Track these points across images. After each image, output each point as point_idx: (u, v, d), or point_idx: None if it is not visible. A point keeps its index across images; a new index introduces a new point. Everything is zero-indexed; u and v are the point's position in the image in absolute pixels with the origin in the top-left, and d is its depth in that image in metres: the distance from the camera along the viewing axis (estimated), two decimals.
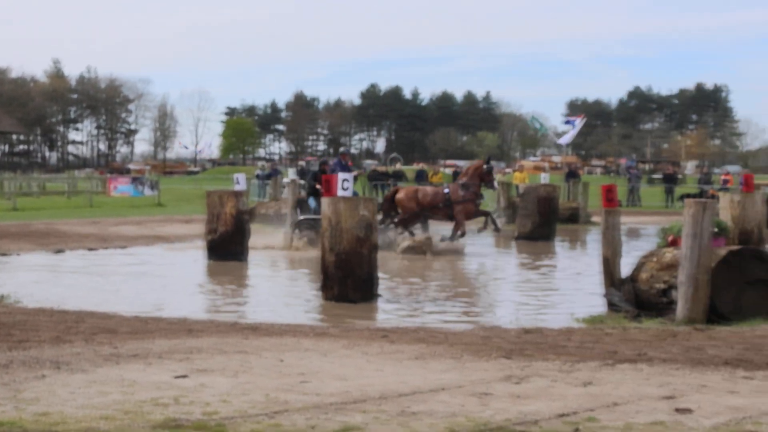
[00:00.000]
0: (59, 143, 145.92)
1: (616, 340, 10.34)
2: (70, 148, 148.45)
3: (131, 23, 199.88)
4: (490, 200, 31.08)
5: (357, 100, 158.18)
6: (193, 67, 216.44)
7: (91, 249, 22.42)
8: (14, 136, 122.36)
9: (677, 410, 7.14)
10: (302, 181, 37.43)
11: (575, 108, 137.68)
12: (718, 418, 6.91)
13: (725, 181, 44.31)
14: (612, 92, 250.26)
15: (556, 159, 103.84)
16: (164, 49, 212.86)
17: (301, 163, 77.42)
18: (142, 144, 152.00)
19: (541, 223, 26.68)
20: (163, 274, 18.04)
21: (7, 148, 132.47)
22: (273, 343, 9.88)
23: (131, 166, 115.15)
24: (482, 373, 8.41)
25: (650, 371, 8.62)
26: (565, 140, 49.41)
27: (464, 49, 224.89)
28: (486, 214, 23.16)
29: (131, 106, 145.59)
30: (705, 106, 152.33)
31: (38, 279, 16.67)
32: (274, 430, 6.32)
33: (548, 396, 7.53)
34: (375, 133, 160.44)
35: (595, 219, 31.08)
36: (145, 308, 13.14)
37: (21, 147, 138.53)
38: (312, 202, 22.98)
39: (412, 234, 22.50)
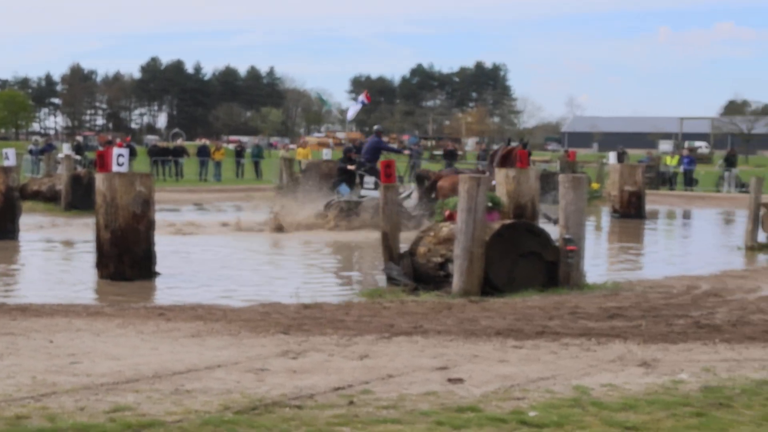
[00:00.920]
0: None
1: (394, 313, 10.48)
2: None
3: None
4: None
5: (137, 74, 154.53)
6: None
7: None
8: None
9: (449, 380, 7.29)
10: (78, 156, 36.21)
11: (359, 84, 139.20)
12: (487, 387, 7.10)
13: None
14: (395, 69, 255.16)
15: (341, 135, 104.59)
16: None
17: (78, 138, 74.99)
18: None
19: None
20: None
21: None
22: (43, 324, 9.49)
23: None
24: (260, 349, 8.35)
25: (425, 343, 8.78)
26: (349, 115, 50.22)
27: (248, 23, 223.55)
28: None
29: None
30: (485, 84, 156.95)
31: None
32: (40, 413, 6.07)
33: (325, 370, 7.55)
34: (156, 108, 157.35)
35: None
36: None
37: None
38: (344, 188, 23.13)
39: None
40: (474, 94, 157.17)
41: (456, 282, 11.96)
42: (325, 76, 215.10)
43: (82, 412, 6.12)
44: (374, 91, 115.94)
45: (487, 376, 7.48)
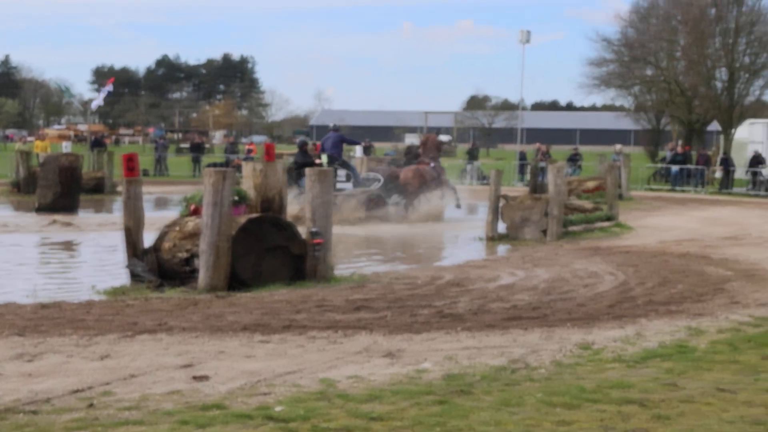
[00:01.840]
0: None
1: (137, 311, 10.20)
2: None
3: None
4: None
5: None
6: None
7: None
8: None
9: (194, 378, 7.16)
10: None
11: (102, 75, 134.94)
12: (233, 383, 7.02)
13: (249, 151, 45.60)
14: (140, 60, 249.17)
15: (83, 128, 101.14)
16: None
17: None
18: None
19: (63, 194, 25.72)
20: None
21: None
22: None
23: None
24: None
25: (170, 341, 8.59)
26: (95, 104, 49.22)
27: None
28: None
29: None
30: (232, 76, 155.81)
31: None
32: None
33: (63, 372, 7.25)
34: None
35: (121, 189, 30.58)
36: None
37: None
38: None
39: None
40: (221, 87, 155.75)
41: (202, 277, 11.79)
42: (66, 65, 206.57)
43: None
44: (118, 82, 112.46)
45: (233, 372, 7.39)
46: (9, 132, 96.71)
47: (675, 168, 39.90)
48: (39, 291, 11.77)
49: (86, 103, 52.04)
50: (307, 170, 13.16)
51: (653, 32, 48.94)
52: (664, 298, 11.58)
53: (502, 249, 18.00)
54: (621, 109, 65.63)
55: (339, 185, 23.38)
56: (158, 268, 12.67)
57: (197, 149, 47.75)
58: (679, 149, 42.21)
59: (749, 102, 44.94)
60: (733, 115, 43.39)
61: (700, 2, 45.80)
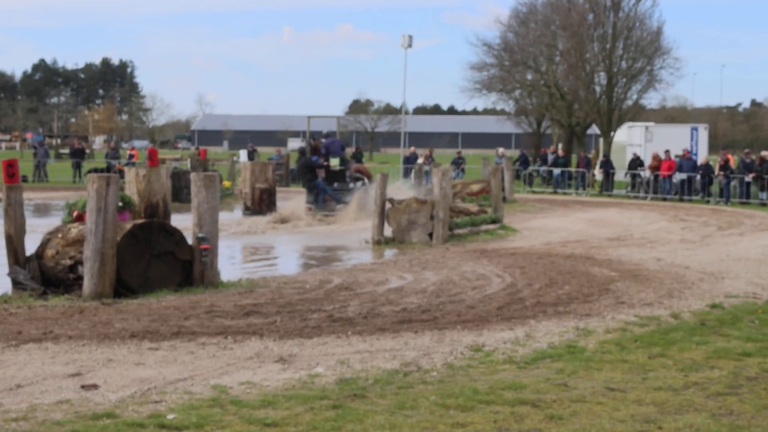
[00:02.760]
0: None
1: (22, 319, 9.97)
2: None
3: None
4: None
5: None
6: None
7: None
8: None
9: (84, 387, 7.03)
10: None
11: None
12: (124, 392, 6.91)
13: (131, 156, 44.88)
14: (16, 64, 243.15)
15: None
16: None
17: None
18: None
19: None
20: None
21: None
22: None
23: None
24: None
25: (57, 349, 8.41)
26: None
27: None
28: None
29: None
30: (112, 81, 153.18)
31: None
32: None
33: None
34: None
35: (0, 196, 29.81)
36: None
37: None
38: (321, 183, 25.82)
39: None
40: (101, 91, 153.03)
41: (87, 284, 11.56)
42: None
43: None
44: None
45: (124, 380, 7.27)
46: None
47: (557, 171, 40.68)
48: None
49: None
50: (193, 176, 13.00)
51: (533, 37, 49.73)
52: (552, 300, 11.79)
53: (389, 252, 18.09)
54: (502, 113, 66.51)
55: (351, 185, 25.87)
56: (41, 275, 12.39)
57: (78, 155, 46.75)
58: (560, 152, 43.00)
59: (627, 105, 45.87)
60: (612, 118, 44.31)
61: (578, 8, 46.75)
